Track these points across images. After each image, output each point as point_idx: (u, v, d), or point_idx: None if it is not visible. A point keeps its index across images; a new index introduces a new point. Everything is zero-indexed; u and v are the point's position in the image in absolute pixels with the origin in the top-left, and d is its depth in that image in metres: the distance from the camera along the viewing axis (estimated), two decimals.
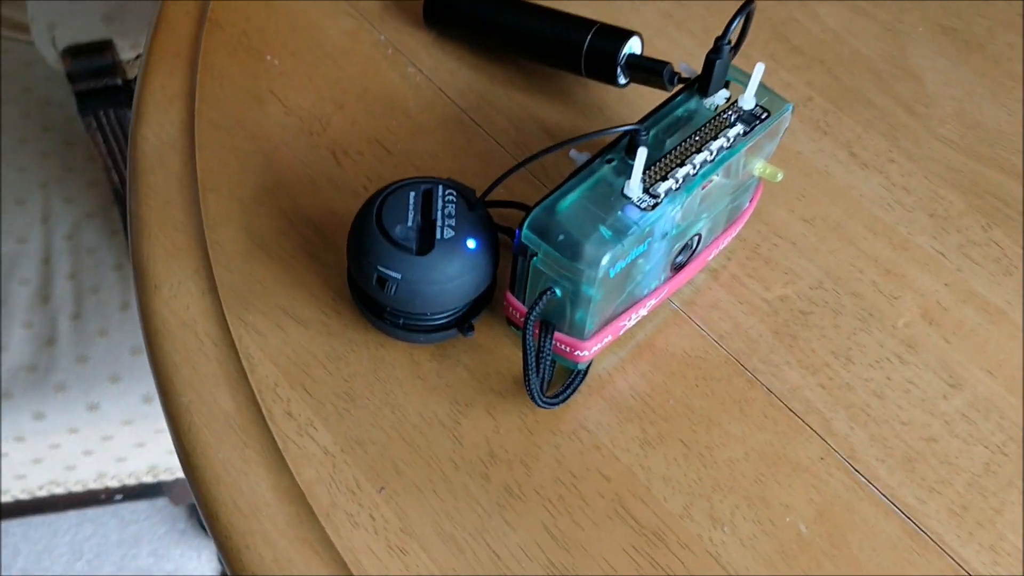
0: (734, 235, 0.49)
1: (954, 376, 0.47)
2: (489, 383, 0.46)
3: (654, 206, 0.41)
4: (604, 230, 0.40)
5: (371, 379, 0.46)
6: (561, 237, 0.40)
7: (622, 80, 0.53)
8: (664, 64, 0.50)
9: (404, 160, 0.54)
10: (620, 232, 0.40)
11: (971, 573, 0.42)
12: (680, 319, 0.49)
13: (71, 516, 1.42)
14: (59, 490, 1.07)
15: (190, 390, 0.46)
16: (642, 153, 0.40)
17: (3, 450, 0.98)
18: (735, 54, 0.47)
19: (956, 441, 0.45)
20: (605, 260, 0.40)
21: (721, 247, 0.49)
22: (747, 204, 0.48)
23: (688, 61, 0.56)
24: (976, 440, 0.45)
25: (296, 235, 0.51)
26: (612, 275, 0.41)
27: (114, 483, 1.05)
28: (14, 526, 1.43)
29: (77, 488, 1.06)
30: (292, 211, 0.51)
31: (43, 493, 1.07)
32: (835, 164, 0.54)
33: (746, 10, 0.43)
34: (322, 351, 0.47)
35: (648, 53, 0.53)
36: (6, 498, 1.07)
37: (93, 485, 1.06)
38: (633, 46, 0.52)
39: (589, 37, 0.52)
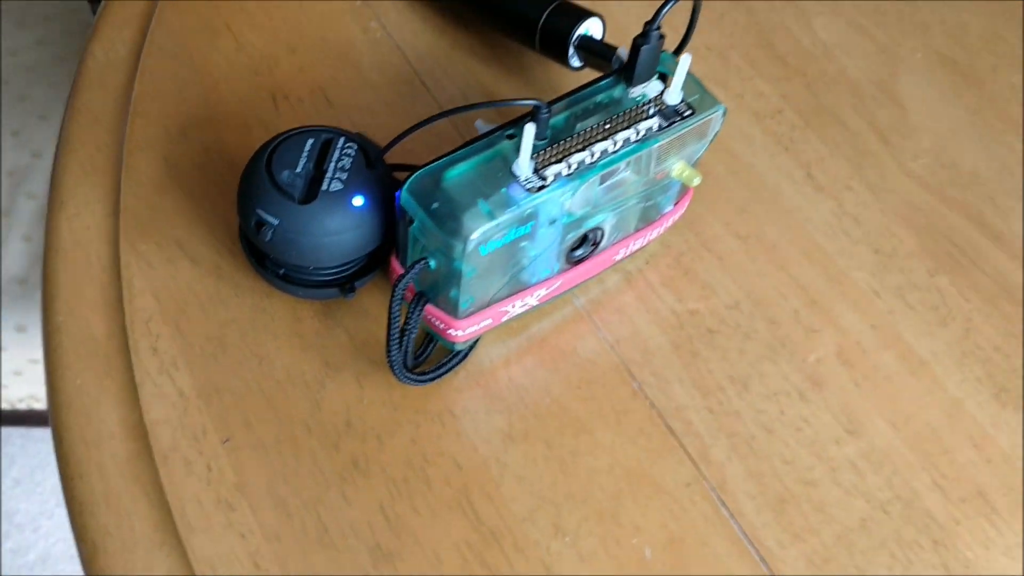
0: (652, 238, 0.46)
1: (854, 422, 0.44)
2: (366, 351, 0.44)
3: (540, 188, 0.39)
4: (482, 204, 0.38)
5: (247, 328, 0.45)
6: (435, 205, 0.38)
7: (575, 62, 0.50)
8: (613, 49, 0.48)
9: (343, 113, 0.52)
10: (498, 209, 0.38)
11: None
12: (580, 318, 0.46)
13: None
14: (39, 406, 1.08)
15: (66, 310, 0.45)
16: (529, 130, 0.38)
17: None
18: (682, 48, 0.45)
19: (837, 490, 0.42)
20: (475, 235, 0.38)
21: (633, 248, 0.46)
22: (669, 207, 0.46)
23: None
24: (859, 493, 0.42)
25: (213, 172, 0.49)
26: (484, 252, 0.39)
27: None
28: (15, 436, 1.46)
29: None
30: (216, 148, 0.50)
31: (23, 407, 1.09)
32: (788, 183, 0.51)
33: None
34: (206, 292, 0.46)
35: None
36: None
37: None
38: (591, 28, 0.50)
39: (547, 12, 0.50)
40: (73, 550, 1.33)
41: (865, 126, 0.54)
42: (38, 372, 1.01)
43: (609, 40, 0.50)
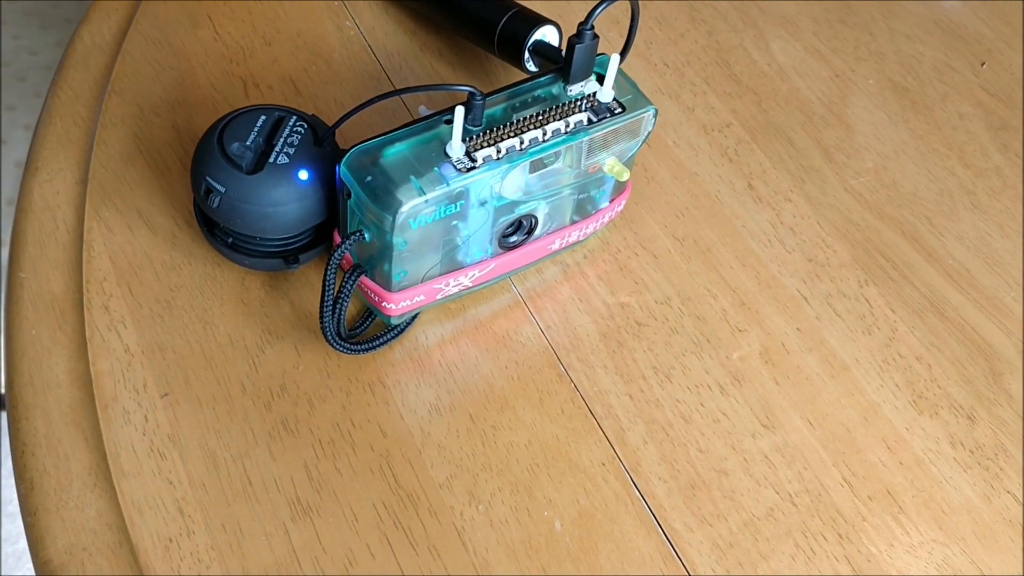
0: (588, 232, 0.48)
1: (771, 418, 0.46)
2: (308, 322, 0.47)
3: (470, 169, 0.41)
4: (414, 180, 0.40)
5: (195, 293, 0.47)
6: (369, 179, 0.41)
7: (531, 67, 0.53)
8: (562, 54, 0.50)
9: (309, 102, 0.55)
10: (429, 186, 0.40)
11: None
12: (516, 304, 0.48)
13: None
14: None
15: (30, 267, 0.48)
16: (459, 112, 0.40)
17: None
18: (626, 51, 0.47)
19: (748, 480, 0.44)
20: (405, 208, 0.40)
21: (569, 240, 0.48)
22: (605, 203, 0.48)
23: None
24: (769, 484, 0.44)
25: (180, 149, 0.52)
26: (415, 227, 0.41)
27: None
28: None
29: None
30: (185, 127, 0.53)
31: None
32: (728, 192, 0.53)
33: (613, 1, 0.43)
34: (160, 258, 0.48)
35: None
36: None
37: None
38: (547, 34, 0.52)
39: (504, 18, 0.52)
40: None
41: (811, 144, 0.56)
42: None
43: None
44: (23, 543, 1.35)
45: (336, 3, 0.59)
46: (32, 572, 1.25)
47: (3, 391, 1.09)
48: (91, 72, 0.55)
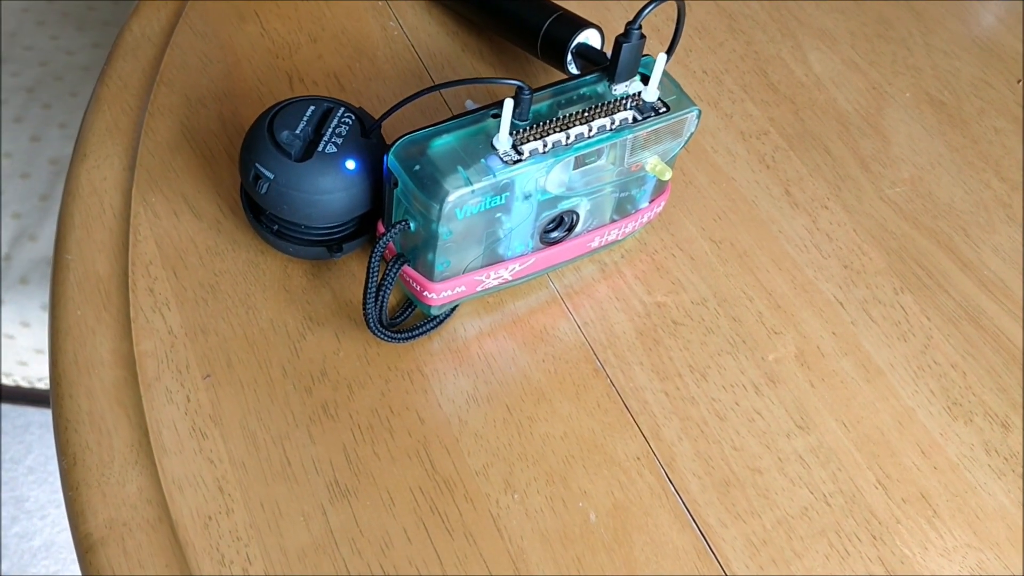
0: (627, 232, 0.49)
1: (806, 419, 0.46)
2: (348, 310, 0.47)
3: (516, 162, 0.41)
4: (461, 171, 0.41)
5: (239, 279, 0.48)
6: (417, 167, 0.41)
7: (573, 69, 0.53)
8: (607, 56, 0.51)
9: (352, 98, 0.55)
10: (476, 176, 0.41)
11: None
12: (554, 300, 0.49)
13: None
14: None
15: (76, 249, 0.48)
16: (508, 105, 0.41)
17: (9, 332, 1.04)
18: (671, 51, 0.48)
19: (782, 479, 0.44)
20: (452, 197, 0.40)
21: (608, 239, 0.48)
22: (644, 203, 0.48)
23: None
24: (804, 483, 0.44)
25: (225, 139, 0.53)
26: (460, 217, 0.41)
27: None
28: (35, 425, 1.49)
29: None
30: (230, 118, 0.54)
31: (42, 386, 1.12)
32: (765, 197, 0.53)
33: (662, 1, 0.43)
34: (204, 244, 0.49)
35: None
36: (6, 381, 1.12)
37: None
38: (589, 37, 0.53)
39: (548, 21, 0.53)
40: None
41: (847, 153, 0.56)
42: None
43: (608, 51, 0.53)
44: (38, 540, 1.36)
45: (380, 3, 0.60)
46: (43, 572, 1.26)
47: (6, 383, 1.10)
48: (140, 63, 0.56)
